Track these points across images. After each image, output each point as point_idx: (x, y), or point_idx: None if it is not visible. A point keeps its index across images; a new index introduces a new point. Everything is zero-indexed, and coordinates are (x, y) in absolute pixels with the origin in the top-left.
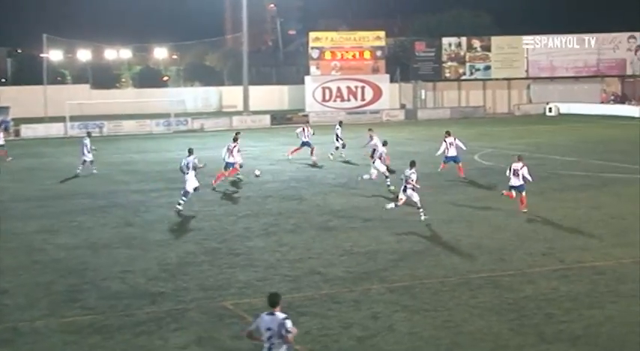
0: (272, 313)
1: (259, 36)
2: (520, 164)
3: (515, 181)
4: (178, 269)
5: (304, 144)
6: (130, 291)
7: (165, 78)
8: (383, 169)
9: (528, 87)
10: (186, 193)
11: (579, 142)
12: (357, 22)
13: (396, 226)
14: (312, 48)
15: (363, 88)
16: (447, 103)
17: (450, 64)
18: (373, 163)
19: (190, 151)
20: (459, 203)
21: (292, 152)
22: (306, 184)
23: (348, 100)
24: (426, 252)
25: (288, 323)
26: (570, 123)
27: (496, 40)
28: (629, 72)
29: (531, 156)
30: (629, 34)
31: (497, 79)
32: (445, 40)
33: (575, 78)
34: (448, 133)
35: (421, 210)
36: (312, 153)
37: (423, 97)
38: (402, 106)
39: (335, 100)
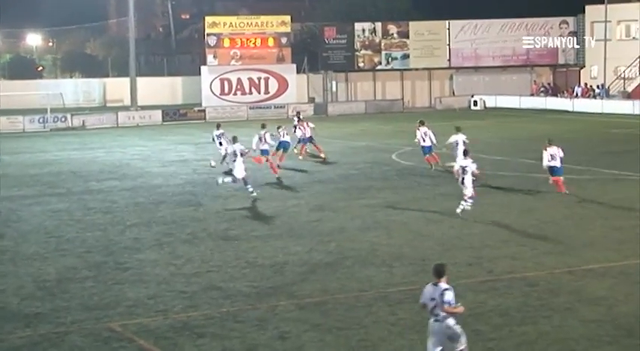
0: (436, 284)
1: (148, 21)
2: (556, 148)
3: (555, 163)
4: (57, 286)
5: (304, 141)
6: (1, 313)
7: (40, 68)
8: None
9: (451, 78)
10: (236, 180)
11: (508, 139)
12: (259, 6)
13: (306, 234)
14: (209, 34)
15: (266, 79)
16: (361, 96)
17: (363, 52)
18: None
19: (235, 139)
20: (375, 208)
21: (302, 150)
22: (203, 188)
23: (250, 93)
24: (338, 263)
25: (447, 295)
26: (498, 118)
27: (415, 26)
28: (561, 61)
29: (455, 155)
30: (561, 19)
31: (416, 70)
32: (358, 26)
33: (503, 68)
34: (422, 123)
35: (465, 203)
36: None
37: (334, 89)
38: (311, 100)
39: (235, 94)
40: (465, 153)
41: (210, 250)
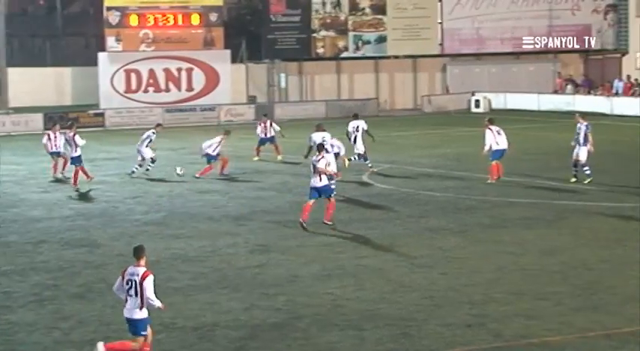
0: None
1: None
2: None
3: None
4: None
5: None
6: None
7: None
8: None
9: (444, 69)
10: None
11: (522, 153)
12: None
13: (244, 285)
14: (109, 9)
15: (189, 71)
16: (321, 95)
17: (324, 34)
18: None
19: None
20: (340, 248)
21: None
22: (100, 222)
23: (167, 90)
24: (289, 325)
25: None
26: (508, 123)
27: None
28: (595, 46)
29: (449, 174)
30: None
31: (396, 58)
32: None
33: (515, 55)
34: (491, 121)
35: None
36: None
37: (283, 85)
38: (252, 100)
39: (146, 91)
40: None
41: (112, 307)
